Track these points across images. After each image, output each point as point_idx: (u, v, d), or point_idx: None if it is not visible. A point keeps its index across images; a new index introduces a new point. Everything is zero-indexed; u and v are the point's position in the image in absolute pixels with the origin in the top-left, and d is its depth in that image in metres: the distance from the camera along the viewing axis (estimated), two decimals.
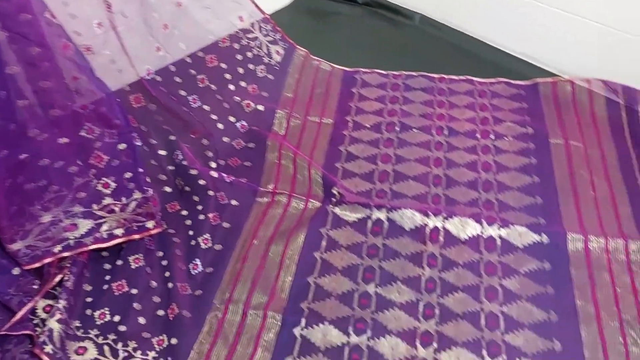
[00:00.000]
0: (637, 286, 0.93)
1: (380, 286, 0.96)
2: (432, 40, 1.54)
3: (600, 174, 1.12)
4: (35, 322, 0.91)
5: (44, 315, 0.92)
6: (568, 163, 1.14)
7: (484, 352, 0.86)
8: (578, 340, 0.87)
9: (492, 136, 1.21)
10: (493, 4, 1.46)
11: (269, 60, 1.34)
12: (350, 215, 1.07)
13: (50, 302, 0.94)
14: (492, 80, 1.35)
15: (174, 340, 0.89)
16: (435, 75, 1.38)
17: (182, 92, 1.18)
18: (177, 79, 1.17)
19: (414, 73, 1.39)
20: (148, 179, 1.04)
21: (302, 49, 1.42)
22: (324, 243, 1.03)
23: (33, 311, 0.92)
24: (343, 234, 1.04)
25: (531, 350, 0.86)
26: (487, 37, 1.50)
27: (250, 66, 1.31)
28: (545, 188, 1.10)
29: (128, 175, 1.01)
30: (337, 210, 1.08)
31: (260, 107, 1.27)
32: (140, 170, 1.02)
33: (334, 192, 1.10)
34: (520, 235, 1.01)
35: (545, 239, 1.00)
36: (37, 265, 0.94)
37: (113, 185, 1.00)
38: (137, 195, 1.01)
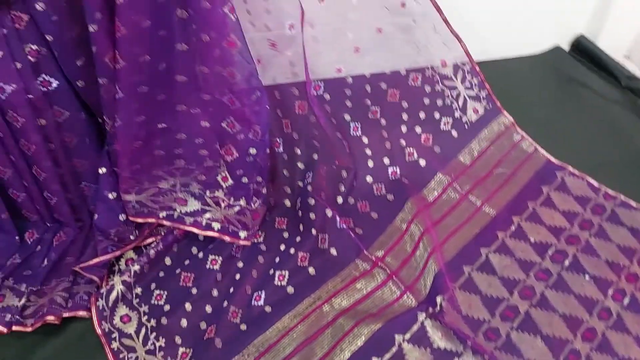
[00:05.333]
0: None
1: None
2: None
3: None
4: (114, 268, 0.99)
5: (122, 266, 0.99)
6: None
7: None
8: None
9: None
10: None
11: (460, 116, 1.15)
12: (438, 340, 0.88)
13: (135, 257, 1.00)
14: None
15: None
16: None
17: (347, 117, 1.09)
18: (348, 103, 1.08)
19: (632, 203, 1.05)
20: (264, 190, 1.01)
21: (508, 115, 1.18)
22: (389, 353, 0.87)
23: (118, 258, 1.00)
24: (417, 358, 0.87)
25: None
26: None
27: (436, 115, 1.14)
28: None
29: (245, 180, 0.99)
30: (427, 324, 0.90)
31: (422, 162, 1.12)
32: (259, 180, 0.99)
33: (438, 300, 0.92)
34: None
35: None
36: (139, 220, 1.01)
37: (230, 181, 1.00)
38: (243, 202, 0.99)
